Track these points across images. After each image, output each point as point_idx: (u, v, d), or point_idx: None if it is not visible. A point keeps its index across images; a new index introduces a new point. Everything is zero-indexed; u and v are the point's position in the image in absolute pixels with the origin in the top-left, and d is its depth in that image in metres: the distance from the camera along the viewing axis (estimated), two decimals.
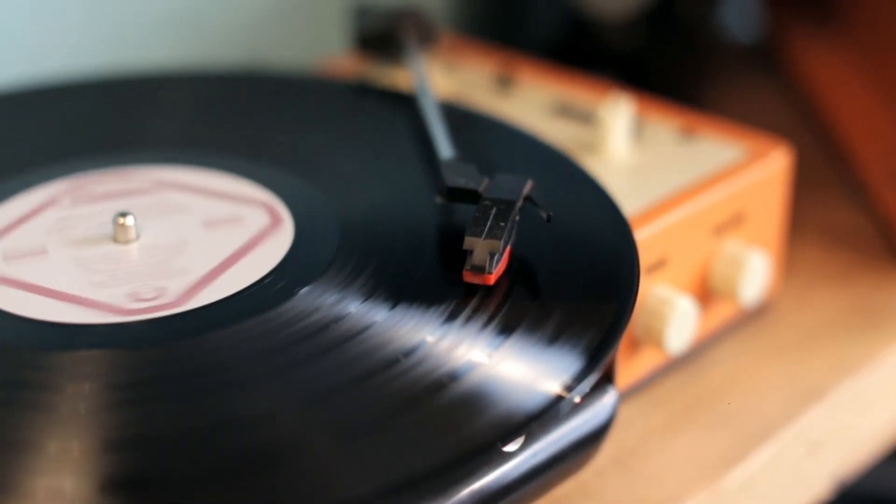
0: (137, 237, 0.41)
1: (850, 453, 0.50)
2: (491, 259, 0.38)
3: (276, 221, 0.42)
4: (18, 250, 0.41)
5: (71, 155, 0.47)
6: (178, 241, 0.41)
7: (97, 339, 0.37)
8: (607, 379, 0.39)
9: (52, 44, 0.61)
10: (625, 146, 0.50)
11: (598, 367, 0.36)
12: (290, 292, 0.38)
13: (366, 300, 0.38)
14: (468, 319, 0.37)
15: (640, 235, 0.43)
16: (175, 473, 0.32)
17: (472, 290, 0.38)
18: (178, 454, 0.33)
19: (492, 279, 0.38)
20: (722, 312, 0.49)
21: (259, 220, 0.42)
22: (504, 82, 0.55)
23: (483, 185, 0.41)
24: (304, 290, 0.38)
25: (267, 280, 0.39)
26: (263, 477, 0.32)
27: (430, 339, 0.36)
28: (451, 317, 0.37)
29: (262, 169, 0.45)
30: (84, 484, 0.32)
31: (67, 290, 0.39)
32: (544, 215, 0.40)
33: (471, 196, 0.41)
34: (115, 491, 0.32)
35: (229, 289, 0.38)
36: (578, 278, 0.39)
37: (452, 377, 0.35)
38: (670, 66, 0.66)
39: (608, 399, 0.38)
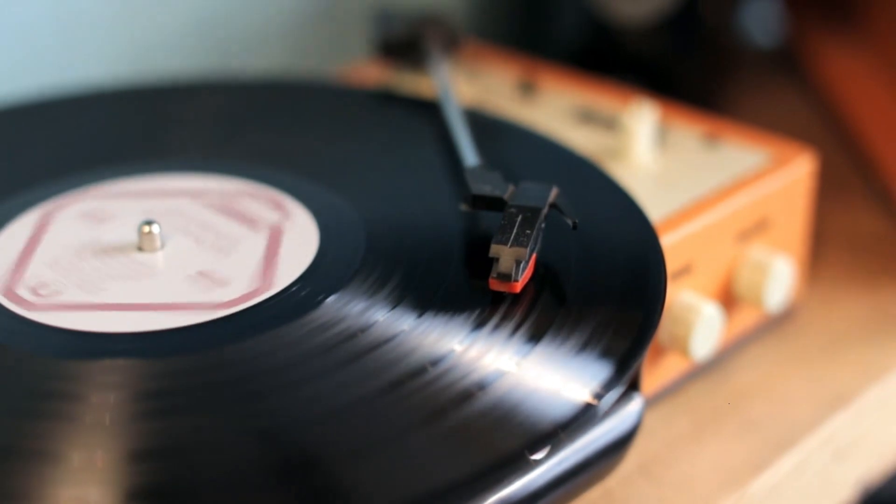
0: (162, 245, 0.41)
1: (875, 459, 0.50)
2: (517, 267, 0.38)
3: (300, 230, 0.42)
4: (42, 258, 0.41)
5: (95, 163, 0.47)
6: (203, 249, 0.41)
7: (122, 348, 0.37)
8: (633, 386, 0.38)
9: (75, 53, 0.61)
10: (649, 152, 0.50)
11: (626, 375, 0.36)
12: (316, 301, 0.38)
13: (392, 309, 0.38)
14: (495, 327, 0.37)
15: (665, 242, 0.43)
16: (200, 483, 0.32)
17: (499, 297, 0.38)
18: (204, 464, 0.33)
19: (518, 287, 0.38)
20: (747, 318, 0.49)
21: (285, 228, 0.42)
22: (527, 89, 0.55)
23: (508, 192, 0.41)
24: (330, 299, 0.38)
25: (293, 289, 0.39)
26: (289, 487, 0.32)
27: (457, 347, 0.36)
28: (479, 325, 0.37)
29: (286, 177, 0.45)
30: (109, 494, 0.32)
31: (91, 299, 0.39)
32: (570, 222, 0.40)
33: (496, 203, 0.41)
34: (140, 501, 0.32)
35: (310, 227, 0.39)
36: (605, 285, 0.39)
37: (480, 386, 0.35)
38: (693, 72, 0.66)
39: (634, 406, 0.38)
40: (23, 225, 0.43)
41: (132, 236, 0.42)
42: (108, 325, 0.38)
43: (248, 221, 0.43)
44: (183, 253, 0.41)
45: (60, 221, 0.43)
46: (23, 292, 0.40)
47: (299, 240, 0.41)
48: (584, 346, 0.36)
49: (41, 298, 0.39)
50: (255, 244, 0.41)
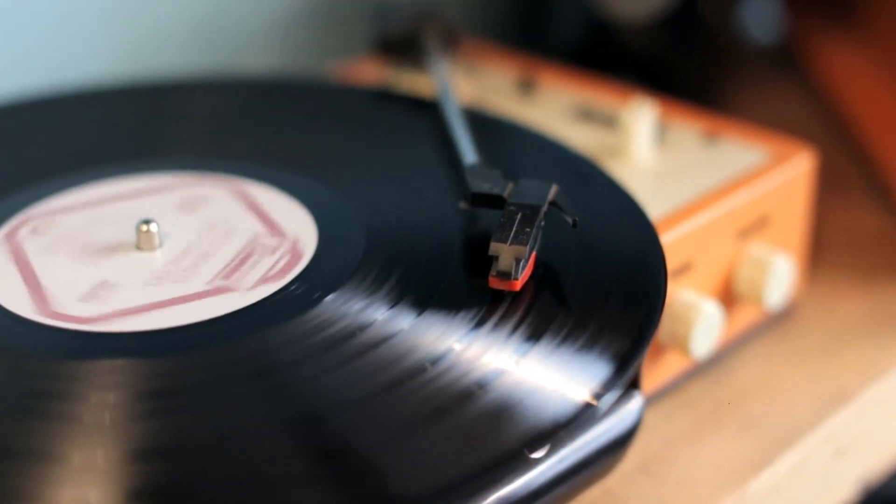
0: (161, 244, 0.41)
1: (876, 457, 0.50)
2: (517, 265, 0.38)
3: (299, 234, 0.42)
4: (88, 214, 0.42)
5: (95, 162, 0.47)
6: (201, 248, 0.41)
7: (122, 347, 0.37)
8: (633, 384, 0.38)
9: (73, 51, 0.61)
10: (648, 150, 0.49)
11: (626, 374, 0.36)
12: (315, 300, 0.38)
13: (392, 307, 0.38)
14: (495, 326, 0.37)
15: (665, 240, 0.43)
16: (200, 483, 0.32)
17: (499, 296, 0.38)
18: (204, 464, 0.33)
19: (518, 285, 0.38)
20: (747, 316, 0.49)
21: (240, 288, 0.41)
22: (526, 87, 0.55)
23: (508, 190, 0.41)
24: (329, 298, 0.38)
25: (292, 287, 0.39)
26: (289, 487, 0.32)
27: (457, 346, 0.36)
28: (478, 324, 0.37)
29: (284, 176, 0.45)
30: (109, 494, 0.32)
31: (33, 265, 0.40)
32: (570, 220, 0.40)
33: (496, 202, 0.41)
34: (141, 502, 0.32)
35: (255, 296, 0.38)
36: (605, 283, 0.39)
37: (480, 385, 0.35)
38: (693, 70, 0.66)
39: (634, 404, 0.38)
40: (129, 183, 0.45)
41: (131, 234, 0.42)
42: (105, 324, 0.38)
43: (246, 220, 0.42)
44: (181, 251, 0.41)
45: (63, 217, 0.43)
46: (26, 228, 0.42)
47: (297, 240, 0.41)
48: (584, 345, 0.36)
49: (25, 239, 0.41)
50: (253, 242, 0.41)
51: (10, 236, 0.42)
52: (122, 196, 0.44)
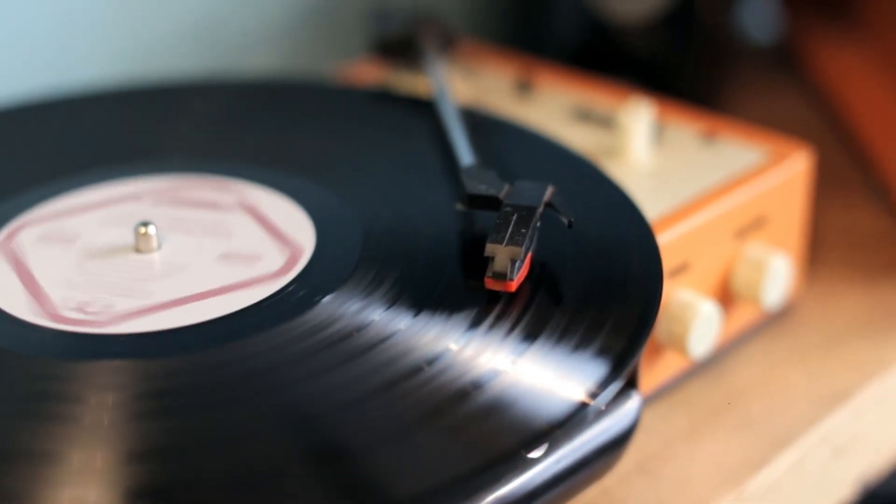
0: (159, 246, 0.41)
1: (874, 456, 0.50)
2: (512, 266, 0.38)
3: (296, 235, 0.42)
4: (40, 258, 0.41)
5: (94, 165, 0.47)
6: (199, 250, 0.41)
7: (121, 349, 0.37)
8: (631, 384, 0.38)
9: (73, 54, 0.61)
10: (645, 150, 0.49)
11: (622, 373, 0.36)
12: (312, 301, 0.38)
13: (388, 308, 0.38)
14: (491, 327, 0.37)
15: (662, 240, 0.43)
16: (198, 483, 0.32)
17: (495, 297, 0.38)
18: (202, 464, 0.33)
19: (513, 286, 0.38)
20: (745, 316, 0.49)
21: (281, 229, 0.42)
22: (524, 87, 0.55)
23: (504, 191, 0.41)
24: (326, 299, 0.38)
25: (289, 289, 0.39)
26: (285, 488, 0.32)
27: (453, 347, 0.36)
28: (474, 324, 0.37)
29: (282, 177, 0.45)
30: (108, 495, 0.32)
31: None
32: (566, 221, 0.40)
33: (492, 203, 0.41)
34: (139, 502, 0.32)
35: (252, 298, 0.38)
36: (601, 284, 0.39)
37: (476, 385, 0.35)
38: (690, 70, 0.66)
39: (632, 404, 0.38)
40: (127, 186, 0.45)
41: (129, 237, 0.42)
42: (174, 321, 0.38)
43: (245, 223, 0.43)
44: (179, 254, 0.41)
45: (64, 218, 0.43)
46: (25, 231, 0.42)
47: (295, 245, 0.41)
48: (579, 345, 0.36)
49: (24, 242, 0.42)
50: (251, 244, 0.41)
51: (9, 239, 0.42)
52: (120, 199, 0.44)
